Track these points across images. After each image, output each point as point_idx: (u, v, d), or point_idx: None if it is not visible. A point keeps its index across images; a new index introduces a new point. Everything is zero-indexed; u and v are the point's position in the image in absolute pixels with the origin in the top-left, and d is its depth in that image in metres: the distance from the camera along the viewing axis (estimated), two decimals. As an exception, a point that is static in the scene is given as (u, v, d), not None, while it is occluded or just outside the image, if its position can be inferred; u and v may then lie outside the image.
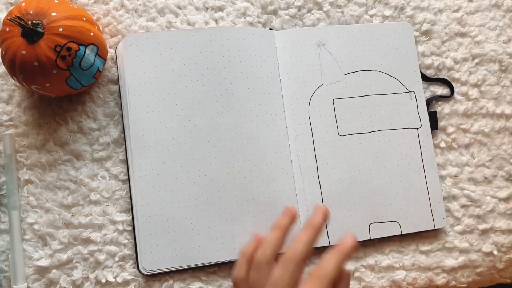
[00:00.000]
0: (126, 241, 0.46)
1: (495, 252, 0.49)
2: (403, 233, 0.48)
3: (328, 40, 0.50)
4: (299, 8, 0.51)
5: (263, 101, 0.47)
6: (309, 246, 0.40)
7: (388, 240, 0.49)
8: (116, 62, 0.48)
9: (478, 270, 0.49)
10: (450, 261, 0.49)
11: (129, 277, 0.46)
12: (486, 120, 0.52)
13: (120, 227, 0.46)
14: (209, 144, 0.46)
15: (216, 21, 0.50)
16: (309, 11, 0.51)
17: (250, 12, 0.50)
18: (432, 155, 0.50)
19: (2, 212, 0.47)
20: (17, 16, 0.40)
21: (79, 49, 0.42)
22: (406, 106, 0.50)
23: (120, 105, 0.48)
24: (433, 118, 0.50)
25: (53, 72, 0.41)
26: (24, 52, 0.41)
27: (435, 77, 0.52)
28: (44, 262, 0.45)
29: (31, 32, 0.40)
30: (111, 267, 0.46)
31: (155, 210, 0.45)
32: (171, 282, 0.46)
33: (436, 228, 0.48)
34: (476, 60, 0.52)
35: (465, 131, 0.51)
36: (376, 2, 0.52)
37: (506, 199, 0.50)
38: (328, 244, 0.47)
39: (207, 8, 0.50)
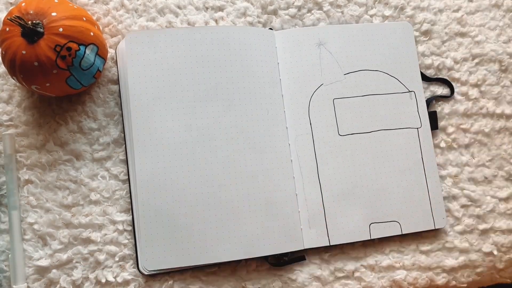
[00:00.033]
0: (126, 241, 0.46)
1: (495, 252, 0.49)
2: (403, 233, 0.48)
3: (328, 40, 0.50)
4: (299, 8, 0.51)
5: (263, 101, 0.47)
6: None
7: (388, 240, 0.49)
8: (116, 62, 0.47)
9: (478, 270, 0.49)
10: (450, 261, 0.49)
11: (129, 277, 0.46)
12: (486, 120, 0.52)
13: (120, 227, 0.46)
14: (210, 143, 0.46)
15: (216, 21, 0.50)
16: (309, 11, 0.52)
17: (250, 12, 0.50)
18: (432, 155, 0.50)
19: (2, 212, 0.47)
20: (17, 16, 0.40)
21: (79, 49, 0.42)
22: (406, 106, 0.50)
23: (120, 105, 0.48)
24: (433, 118, 0.50)
25: (53, 72, 0.41)
26: (24, 52, 0.41)
27: (435, 77, 0.52)
28: (44, 262, 0.45)
29: (31, 32, 0.40)
30: (111, 267, 0.46)
31: (155, 210, 0.45)
32: (171, 282, 0.46)
33: (436, 228, 0.48)
34: (476, 60, 0.52)
35: (465, 131, 0.51)
36: (376, 2, 0.52)
37: (506, 199, 0.50)
38: (329, 244, 0.47)
39: (207, 8, 0.50)
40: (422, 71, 0.51)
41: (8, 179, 0.46)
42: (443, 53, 0.52)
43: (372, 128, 0.49)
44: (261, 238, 0.45)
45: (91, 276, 0.46)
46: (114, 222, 0.46)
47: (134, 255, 0.46)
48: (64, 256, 0.46)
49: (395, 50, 0.51)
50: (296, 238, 0.46)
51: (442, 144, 0.51)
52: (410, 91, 0.50)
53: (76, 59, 0.42)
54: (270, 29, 0.50)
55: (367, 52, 0.50)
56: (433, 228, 0.48)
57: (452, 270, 0.49)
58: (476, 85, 0.52)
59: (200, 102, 0.46)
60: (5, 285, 0.46)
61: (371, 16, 0.52)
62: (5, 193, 0.46)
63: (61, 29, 0.41)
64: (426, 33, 0.52)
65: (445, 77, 0.52)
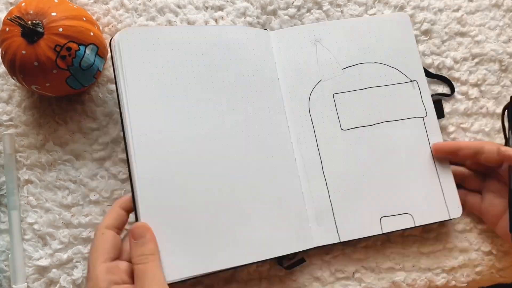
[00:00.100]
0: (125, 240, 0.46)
1: (495, 251, 0.49)
2: (416, 225, 0.47)
3: (324, 36, 0.49)
4: (299, 8, 0.51)
5: (264, 101, 0.47)
6: None
7: (390, 242, 0.48)
8: (112, 58, 0.45)
9: (478, 269, 0.49)
10: (450, 261, 0.48)
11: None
12: (486, 119, 0.52)
13: (120, 227, 0.46)
14: (212, 144, 0.44)
15: (216, 20, 0.50)
16: (309, 10, 0.52)
17: (249, 12, 0.50)
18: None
19: (2, 212, 0.47)
20: (17, 16, 0.40)
21: (79, 49, 0.42)
22: (410, 95, 0.49)
23: (118, 103, 0.48)
24: (439, 107, 0.50)
25: (53, 72, 0.41)
26: (24, 52, 0.41)
27: (437, 73, 0.51)
28: (44, 262, 0.45)
29: (31, 32, 0.40)
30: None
31: (162, 215, 0.42)
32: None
33: (451, 217, 0.47)
34: (476, 60, 0.52)
35: (465, 130, 0.51)
36: (376, 2, 0.52)
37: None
38: (339, 240, 0.46)
39: (207, 8, 0.50)
40: (422, 70, 0.51)
41: (8, 179, 0.46)
42: (443, 52, 0.52)
43: (376, 121, 0.48)
44: (271, 240, 0.44)
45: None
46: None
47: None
48: (64, 256, 0.46)
49: (394, 41, 0.50)
50: (306, 236, 0.46)
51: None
52: (412, 81, 0.50)
53: (76, 59, 0.42)
54: (265, 29, 0.50)
55: (364, 45, 0.50)
56: (448, 218, 0.47)
57: (452, 270, 0.48)
58: (476, 85, 0.52)
59: (200, 102, 0.45)
60: (5, 285, 0.46)
61: (371, 15, 0.52)
62: (5, 193, 0.46)
63: (61, 29, 0.41)
64: (426, 32, 0.52)
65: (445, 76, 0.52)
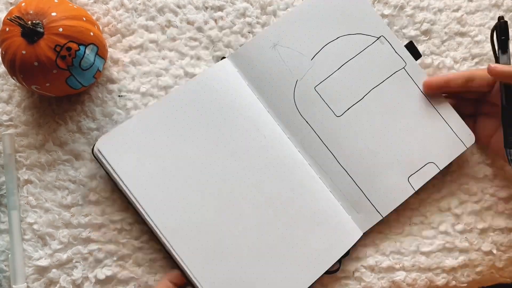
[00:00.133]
0: (125, 240, 0.46)
1: (495, 251, 0.49)
2: (441, 169, 0.48)
3: (279, 37, 0.48)
4: (299, 8, 0.51)
5: (255, 129, 0.47)
6: None
7: (389, 240, 0.48)
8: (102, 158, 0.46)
9: (478, 269, 0.49)
10: (451, 261, 0.48)
11: (129, 276, 0.46)
12: (486, 119, 0.52)
13: (119, 226, 0.46)
14: (227, 192, 0.46)
15: (215, 20, 0.50)
16: (309, 11, 0.51)
17: (249, 12, 0.50)
18: None
19: (2, 212, 0.47)
20: (17, 16, 0.40)
21: (79, 49, 0.42)
22: (383, 52, 0.49)
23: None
24: (413, 49, 0.50)
25: (53, 72, 0.41)
26: (24, 52, 0.41)
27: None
28: (44, 262, 0.45)
29: (31, 32, 0.40)
30: (110, 266, 0.46)
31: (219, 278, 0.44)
32: (171, 282, 0.46)
33: (467, 147, 0.48)
34: (476, 60, 0.52)
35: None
36: (376, 2, 0.52)
37: (505, 199, 0.50)
38: (382, 218, 0.47)
39: (206, 8, 0.50)
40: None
41: (8, 179, 0.46)
42: (442, 52, 0.52)
43: (363, 92, 0.49)
44: (323, 249, 0.46)
45: (91, 275, 0.46)
46: (113, 221, 0.46)
47: (133, 254, 0.46)
48: (64, 256, 0.46)
49: (345, 9, 0.49)
50: (351, 229, 0.47)
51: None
52: (378, 38, 0.49)
53: (76, 59, 0.42)
54: (223, 57, 0.49)
55: (320, 26, 0.49)
56: (465, 148, 0.48)
57: (452, 270, 0.48)
58: (476, 85, 0.52)
59: (199, 163, 0.46)
60: (5, 285, 0.46)
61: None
62: (5, 193, 0.46)
63: (61, 29, 0.41)
64: (426, 32, 0.52)
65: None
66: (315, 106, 0.48)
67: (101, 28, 0.49)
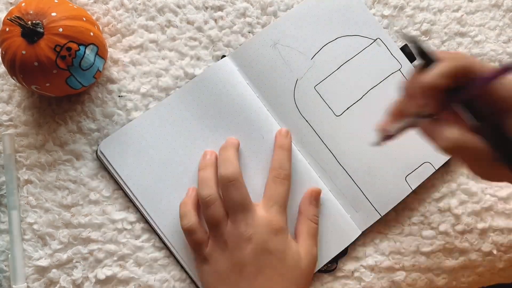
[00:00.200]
0: (125, 240, 0.46)
1: (495, 252, 0.49)
2: (436, 168, 0.48)
3: (279, 36, 0.49)
4: (299, 8, 0.51)
5: (254, 129, 0.47)
6: (290, 163, 0.45)
7: (389, 240, 0.48)
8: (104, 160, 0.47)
9: (478, 269, 0.49)
10: (451, 262, 0.48)
11: (129, 276, 0.46)
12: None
13: (119, 226, 0.46)
14: None
15: (215, 20, 0.50)
16: (309, 11, 0.51)
17: (249, 12, 0.50)
18: None
19: (2, 212, 0.47)
20: (17, 16, 0.40)
21: (79, 49, 0.42)
22: (379, 54, 0.50)
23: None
24: (407, 51, 0.50)
25: (53, 72, 0.41)
26: (24, 52, 0.41)
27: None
28: (44, 262, 0.45)
29: (31, 32, 0.40)
30: (110, 266, 0.46)
31: None
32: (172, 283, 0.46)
33: None
34: (476, 60, 0.52)
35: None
36: (376, 2, 0.52)
37: (505, 199, 0.50)
38: (380, 216, 0.48)
39: (206, 8, 0.50)
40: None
41: (8, 179, 0.46)
42: (442, 52, 0.52)
43: (362, 92, 0.49)
44: (320, 247, 0.46)
45: (91, 275, 0.46)
46: (113, 221, 0.46)
47: (134, 254, 0.46)
48: (64, 256, 0.46)
49: (343, 11, 0.50)
50: (350, 228, 0.47)
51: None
52: (375, 40, 0.50)
53: (76, 59, 0.42)
54: (224, 56, 0.49)
55: (320, 26, 0.49)
56: None
57: (452, 270, 0.48)
58: (476, 85, 0.52)
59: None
60: (5, 285, 0.46)
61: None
62: (5, 193, 0.46)
63: (61, 29, 0.41)
64: (426, 33, 0.52)
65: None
66: (315, 105, 0.48)
67: (101, 28, 0.49)
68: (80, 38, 0.42)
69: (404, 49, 0.50)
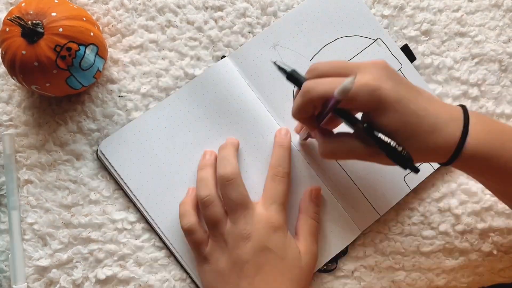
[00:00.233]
0: (126, 239, 0.46)
1: (495, 252, 0.49)
2: (435, 168, 0.48)
3: (279, 37, 0.49)
4: (299, 8, 0.51)
5: (254, 129, 0.47)
6: (289, 161, 0.46)
7: (389, 239, 0.48)
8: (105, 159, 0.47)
9: (478, 269, 0.49)
10: (451, 261, 0.48)
11: (129, 276, 0.46)
12: (486, 119, 0.51)
13: (120, 226, 0.46)
14: None
15: (215, 20, 0.50)
16: (309, 11, 0.51)
17: (249, 13, 0.50)
18: (425, 86, 0.50)
19: (2, 212, 0.47)
20: (17, 16, 0.40)
21: (79, 49, 0.42)
22: (379, 54, 0.50)
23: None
24: (408, 52, 0.50)
25: (53, 72, 0.41)
26: (24, 52, 0.41)
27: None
28: (44, 262, 0.46)
29: (31, 32, 0.40)
30: (111, 265, 0.46)
31: None
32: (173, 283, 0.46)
33: None
34: (476, 60, 0.52)
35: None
36: (376, 2, 0.52)
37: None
38: (379, 216, 0.48)
39: (206, 8, 0.50)
40: (421, 71, 0.51)
41: (8, 179, 0.46)
42: (442, 52, 0.52)
43: None
44: (320, 247, 0.47)
45: (91, 275, 0.46)
46: (113, 221, 0.46)
47: (134, 254, 0.46)
48: (64, 256, 0.46)
49: (343, 11, 0.50)
50: (350, 228, 0.47)
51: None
52: (375, 40, 0.50)
53: (76, 59, 0.42)
54: (224, 56, 0.49)
55: (319, 28, 0.49)
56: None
57: (452, 270, 0.48)
58: (476, 85, 0.52)
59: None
60: (5, 285, 0.46)
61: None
62: (5, 193, 0.46)
63: (61, 29, 0.41)
64: (426, 33, 0.52)
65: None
66: None
67: (101, 28, 0.49)
68: (80, 38, 0.42)
69: (404, 49, 0.50)
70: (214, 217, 0.42)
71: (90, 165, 0.47)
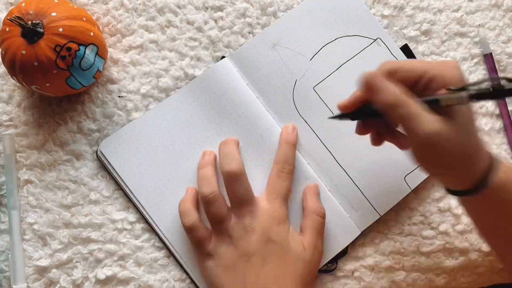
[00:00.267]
0: (125, 239, 0.46)
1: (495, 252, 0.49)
2: None
3: (279, 37, 0.49)
4: (299, 8, 0.51)
5: (253, 129, 0.47)
6: (295, 158, 0.46)
7: (389, 239, 0.48)
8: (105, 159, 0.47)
9: (478, 270, 0.49)
10: (451, 262, 0.48)
11: (129, 276, 0.46)
12: (486, 119, 0.52)
13: (120, 226, 0.46)
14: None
15: (215, 21, 0.50)
16: (309, 11, 0.51)
17: (249, 13, 0.50)
18: None
19: (2, 212, 0.47)
20: (17, 16, 0.40)
21: (79, 49, 0.42)
22: (379, 54, 0.50)
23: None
24: (407, 51, 0.50)
25: (53, 72, 0.41)
26: (24, 52, 0.41)
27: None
28: (44, 262, 0.46)
29: (31, 32, 0.40)
30: (110, 266, 0.46)
31: None
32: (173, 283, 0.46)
33: None
34: (476, 60, 0.52)
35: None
36: (376, 2, 0.52)
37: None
38: (379, 216, 0.48)
39: (206, 8, 0.50)
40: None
41: (8, 179, 0.46)
42: (442, 52, 0.52)
43: None
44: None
45: (91, 275, 0.46)
46: (113, 221, 0.46)
47: (134, 254, 0.46)
48: (64, 256, 0.46)
49: (343, 10, 0.50)
50: (349, 228, 0.47)
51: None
52: (375, 40, 0.50)
53: (76, 59, 0.42)
54: (223, 57, 0.49)
55: (319, 27, 0.49)
56: None
57: (452, 270, 0.48)
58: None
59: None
60: (5, 285, 0.46)
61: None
62: (5, 193, 0.46)
63: (61, 29, 0.41)
64: (425, 33, 0.52)
65: None
66: (314, 105, 0.48)
67: (101, 28, 0.49)
68: (80, 38, 0.42)
69: (404, 49, 0.50)
70: (219, 213, 0.42)
71: (90, 165, 0.47)
